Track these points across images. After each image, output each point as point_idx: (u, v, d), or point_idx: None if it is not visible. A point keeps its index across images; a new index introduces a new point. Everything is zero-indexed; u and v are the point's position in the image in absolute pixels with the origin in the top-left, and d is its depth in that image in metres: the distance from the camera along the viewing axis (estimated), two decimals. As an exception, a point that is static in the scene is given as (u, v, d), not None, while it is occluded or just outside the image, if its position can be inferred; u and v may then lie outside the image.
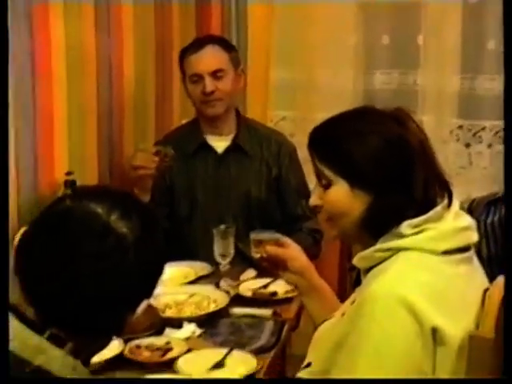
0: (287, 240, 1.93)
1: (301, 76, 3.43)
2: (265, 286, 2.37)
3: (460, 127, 3.31)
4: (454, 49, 3.23)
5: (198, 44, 2.70)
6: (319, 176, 1.58)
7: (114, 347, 1.91)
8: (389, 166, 1.49)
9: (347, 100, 3.24)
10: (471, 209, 2.55)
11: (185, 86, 2.75)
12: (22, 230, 1.42)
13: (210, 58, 2.67)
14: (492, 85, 3.21)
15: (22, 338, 1.15)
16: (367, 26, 3.36)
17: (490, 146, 3.27)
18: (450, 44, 3.23)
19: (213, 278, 2.47)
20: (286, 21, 3.40)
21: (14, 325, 1.17)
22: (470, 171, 3.31)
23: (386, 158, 1.49)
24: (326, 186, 1.56)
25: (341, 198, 1.54)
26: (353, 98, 3.28)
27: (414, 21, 3.30)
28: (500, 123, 3.23)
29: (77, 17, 2.49)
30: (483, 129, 3.27)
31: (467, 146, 3.31)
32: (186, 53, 2.71)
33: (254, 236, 2.11)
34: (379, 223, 1.51)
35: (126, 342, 1.96)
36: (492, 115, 3.24)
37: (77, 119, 2.52)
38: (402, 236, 1.50)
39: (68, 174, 2.35)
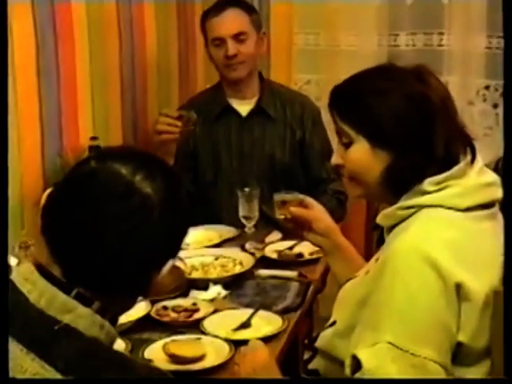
0: (311, 201, 1.94)
1: (324, 39, 3.42)
2: (290, 248, 2.38)
3: (487, 87, 3.28)
4: (480, 8, 3.18)
5: (218, 7, 2.69)
6: (340, 135, 1.58)
7: (141, 308, 1.94)
8: (410, 124, 1.48)
9: (372, 62, 3.12)
10: (497, 168, 2.53)
11: (207, 50, 2.74)
12: (48, 190, 1.43)
13: (232, 21, 2.66)
14: (518, 44, 3.16)
15: (49, 297, 1.17)
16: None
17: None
18: (475, 3, 3.18)
19: (238, 240, 2.49)
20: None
21: (41, 284, 1.19)
22: (498, 131, 3.27)
23: (407, 116, 1.48)
24: (347, 144, 1.56)
25: (362, 156, 1.53)
26: (377, 59, 3.22)
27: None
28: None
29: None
30: (510, 89, 3.22)
31: (494, 106, 3.27)
32: (207, 16, 2.70)
33: (277, 197, 2.11)
34: (400, 181, 1.51)
35: (152, 303, 1.99)
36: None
37: (100, 85, 2.52)
38: (424, 193, 1.50)
39: (93, 138, 2.36)
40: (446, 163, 1.50)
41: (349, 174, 1.59)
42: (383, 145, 1.50)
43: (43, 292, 1.18)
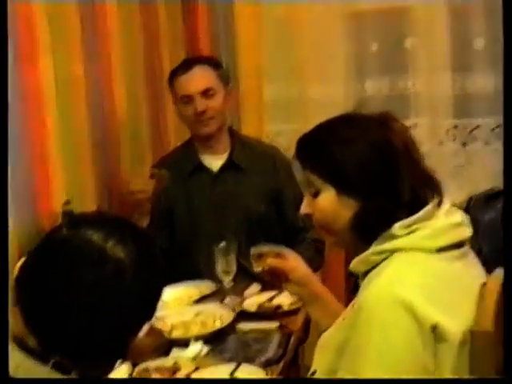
0: (287, 251, 1.94)
1: (293, 89, 3.45)
2: (269, 300, 2.38)
3: (455, 127, 3.31)
4: (443, 50, 3.24)
5: (186, 65, 2.73)
6: (308, 184, 1.60)
7: (122, 371, 1.92)
8: (374, 170, 1.51)
9: (341, 110, 3.21)
10: (469, 207, 2.56)
11: (176, 108, 2.77)
12: (21, 260, 1.43)
13: (199, 78, 2.69)
14: (483, 82, 3.22)
15: (26, 368, 1.16)
16: (355, 34, 3.38)
17: (486, 143, 3.27)
18: (437, 45, 3.24)
19: (218, 295, 2.48)
20: (275, 36, 3.42)
21: (17, 356, 1.18)
22: (469, 169, 3.30)
23: (371, 163, 1.51)
24: (315, 194, 1.59)
25: (329, 204, 1.56)
26: (346, 107, 3.27)
27: (400, 26, 3.32)
28: (494, 120, 3.24)
29: (64, 48, 2.50)
30: (478, 127, 3.27)
31: (464, 144, 3.31)
32: (174, 75, 2.73)
33: (253, 250, 2.12)
34: (369, 228, 1.53)
35: (134, 366, 1.97)
36: (485, 112, 3.25)
37: (71, 148, 2.52)
38: (395, 237, 1.51)
39: (66, 203, 2.36)
40: (414, 206, 1.52)
41: (318, 222, 1.62)
42: (349, 192, 1.53)
43: (19, 364, 1.17)
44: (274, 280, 1.94)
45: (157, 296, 1.29)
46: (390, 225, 1.51)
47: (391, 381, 1.38)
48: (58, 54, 2.45)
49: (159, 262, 1.29)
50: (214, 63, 2.78)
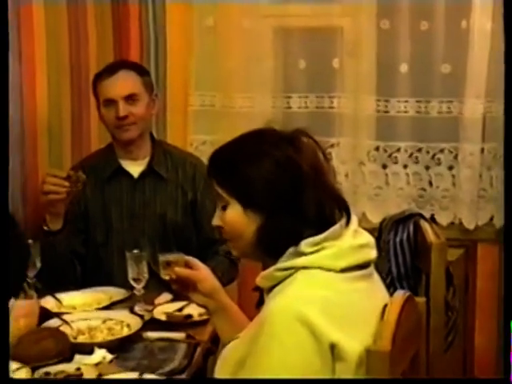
0: (196, 262, 1.95)
1: (220, 100, 3.46)
2: (179, 310, 2.37)
3: (376, 148, 3.37)
4: (369, 72, 3.30)
5: (110, 69, 2.71)
6: (217, 198, 1.63)
7: (21, 375, 1.88)
8: (278, 188, 1.54)
9: (266, 123, 3.27)
10: (382, 228, 2.61)
11: (99, 111, 2.75)
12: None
13: (123, 83, 2.67)
14: (406, 107, 3.30)
15: None
16: (284, 50, 3.42)
17: (405, 166, 3.34)
18: (364, 67, 3.30)
19: (128, 302, 2.45)
20: (205, 46, 3.43)
21: None
22: (387, 191, 3.37)
23: (275, 180, 1.54)
24: (224, 207, 1.61)
25: (235, 218, 1.59)
26: (271, 121, 3.30)
27: (329, 45, 3.37)
28: (414, 144, 3.32)
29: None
30: (398, 150, 3.34)
31: (384, 166, 3.37)
32: (99, 78, 2.71)
33: (162, 258, 2.11)
34: (273, 243, 1.55)
35: (33, 370, 1.93)
36: (406, 136, 3.33)
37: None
38: (301, 254, 1.53)
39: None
40: (322, 225, 1.54)
41: (226, 235, 1.65)
42: (254, 207, 1.56)
43: None
44: (181, 289, 1.95)
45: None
46: (297, 242, 1.53)
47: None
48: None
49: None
50: (139, 69, 2.77)
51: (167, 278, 2.01)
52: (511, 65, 1.44)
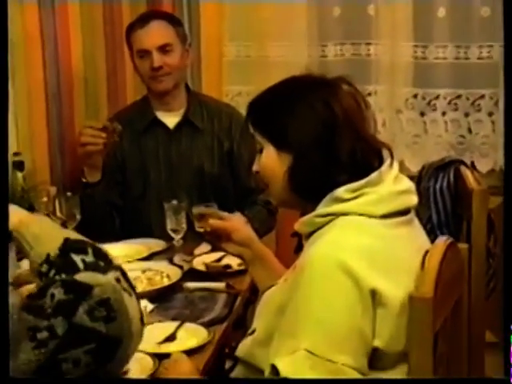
0: (228, 214, 1.97)
1: (255, 50, 3.42)
2: (218, 260, 2.37)
3: (414, 96, 3.31)
4: (406, 18, 3.23)
5: (143, 19, 2.68)
6: (256, 143, 1.63)
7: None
8: (310, 130, 1.53)
9: (301, 72, 3.23)
10: (421, 175, 2.57)
11: (133, 63, 2.73)
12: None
13: (157, 33, 2.65)
14: (444, 53, 3.23)
15: None
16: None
17: (444, 113, 3.29)
18: (400, 13, 3.23)
19: (167, 253, 2.47)
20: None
21: None
22: (426, 139, 3.32)
23: (308, 122, 1.54)
24: (260, 151, 1.62)
25: (269, 160, 1.60)
26: (306, 69, 3.27)
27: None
28: (453, 91, 3.25)
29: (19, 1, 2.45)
30: (437, 97, 3.28)
31: (422, 114, 3.32)
32: (132, 28, 2.69)
33: (195, 210, 2.12)
34: (304, 184, 1.55)
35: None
36: (445, 83, 3.26)
37: (24, 100, 2.49)
38: (341, 201, 1.52)
39: (15, 154, 2.33)
40: (355, 170, 1.52)
41: (261, 179, 1.65)
42: (285, 148, 1.56)
43: None
44: (215, 240, 1.97)
45: None
46: (331, 187, 1.52)
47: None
48: (12, 6, 2.39)
49: None
50: (172, 19, 2.74)
51: (201, 230, 2.02)
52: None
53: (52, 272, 1.10)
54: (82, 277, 1.05)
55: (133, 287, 1.13)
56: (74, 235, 1.17)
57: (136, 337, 1.10)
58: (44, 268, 1.12)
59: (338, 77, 1.62)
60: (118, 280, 1.09)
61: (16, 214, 1.18)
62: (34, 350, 0.98)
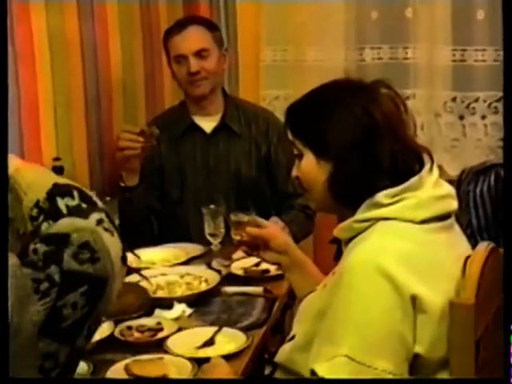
0: (264, 221, 1.98)
1: (292, 54, 3.43)
2: (256, 264, 2.37)
3: (453, 99, 3.29)
4: (444, 21, 3.21)
5: (180, 25, 2.70)
6: (295, 148, 1.63)
7: (105, 328, 1.92)
8: (351, 137, 1.52)
9: (338, 76, 3.21)
10: (461, 179, 2.55)
11: (170, 68, 2.75)
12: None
13: (194, 38, 2.66)
14: (483, 56, 3.20)
15: None
16: (355, 1, 3.34)
17: (483, 117, 3.26)
18: (439, 16, 3.21)
19: (205, 258, 2.48)
20: (275, 0, 3.38)
21: None
22: (465, 143, 3.29)
23: (348, 129, 1.52)
24: (300, 157, 1.61)
25: (309, 168, 1.59)
26: (344, 74, 3.25)
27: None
28: (493, 94, 3.22)
29: (58, 3, 2.47)
30: (476, 100, 3.25)
31: (461, 117, 3.29)
32: (169, 34, 2.71)
33: (234, 218, 2.11)
34: (344, 191, 1.55)
35: (116, 323, 1.97)
36: (484, 86, 3.23)
37: (63, 104, 2.51)
38: (380, 206, 1.51)
39: (55, 159, 2.35)
40: (396, 176, 1.51)
41: (301, 185, 1.65)
42: (325, 156, 1.55)
43: None
44: (251, 249, 1.96)
45: None
46: (372, 192, 1.51)
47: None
48: (52, 11, 2.43)
49: None
50: (209, 24, 2.76)
51: (238, 237, 2.02)
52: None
53: (41, 217, 1.15)
54: (59, 226, 1.10)
55: (115, 227, 1.17)
56: (63, 180, 1.21)
57: (117, 277, 1.14)
58: (34, 212, 1.16)
59: (376, 80, 1.61)
60: (99, 221, 1.13)
61: (13, 163, 1.21)
62: (40, 301, 1.04)
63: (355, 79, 1.62)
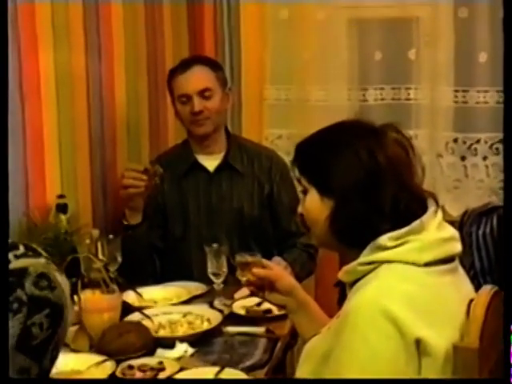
0: (269, 262, 1.99)
1: (295, 93, 3.45)
2: (258, 304, 2.36)
3: (455, 140, 3.31)
4: (446, 62, 3.24)
5: (184, 65, 2.73)
6: (300, 185, 1.65)
7: (107, 368, 1.91)
8: (354, 178, 1.54)
9: (341, 116, 3.19)
10: (464, 221, 2.55)
11: (174, 107, 2.77)
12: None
13: (197, 78, 2.69)
14: (485, 97, 3.22)
15: None
16: (359, 42, 3.38)
17: (485, 158, 3.27)
18: (441, 58, 3.24)
19: (207, 297, 2.47)
20: (279, 39, 3.42)
21: None
22: (467, 184, 3.30)
23: (352, 170, 1.54)
24: (305, 193, 1.63)
25: (312, 204, 1.61)
26: (347, 113, 3.28)
27: (405, 36, 3.32)
28: (494, 135, 3.23)
29: (66, 40, 2.51)
30: (478, 141, 3.27)
31: (462, 158, 3.30)
32: (173, 74, 2.73)
33: (239, 258, 2.12)
34: (345, 231, 1.55)
35: (117, 362, 1.96)
36: (486, 127, 3.25)
37: (68, 141, 2.53)
38: (384, 248, 1.51)
39: (60, 197, 2.36)
40: (397, 220, 1.51)
41: (305, 223, 1.66)
42: (328, 194, 1.57)
43: None
44: (257, 290, 1.95)
45: None
46: (375, 234, 1.52)
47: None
48: (60, 47, 2.46)
49: None
50: (212, 64, 2.78)
51: (244, 279, 2.02)
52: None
53: None
54: (15, 263, 1.15)
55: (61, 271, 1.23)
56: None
57: (70, 310, 1.21)
58: None
59: (386, 124, 1.62)
60: (48, 262, 1.19)
61: None
62: (15, 316, 1.10)
63: (365, 121, 1.64)
